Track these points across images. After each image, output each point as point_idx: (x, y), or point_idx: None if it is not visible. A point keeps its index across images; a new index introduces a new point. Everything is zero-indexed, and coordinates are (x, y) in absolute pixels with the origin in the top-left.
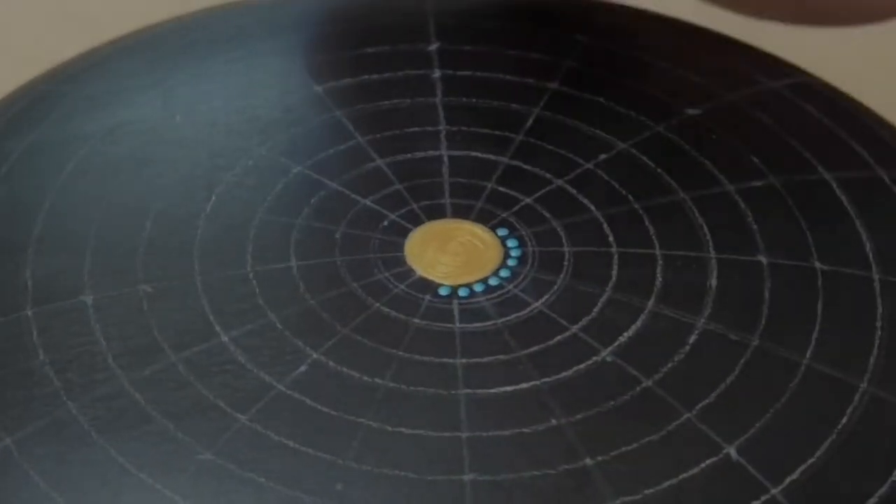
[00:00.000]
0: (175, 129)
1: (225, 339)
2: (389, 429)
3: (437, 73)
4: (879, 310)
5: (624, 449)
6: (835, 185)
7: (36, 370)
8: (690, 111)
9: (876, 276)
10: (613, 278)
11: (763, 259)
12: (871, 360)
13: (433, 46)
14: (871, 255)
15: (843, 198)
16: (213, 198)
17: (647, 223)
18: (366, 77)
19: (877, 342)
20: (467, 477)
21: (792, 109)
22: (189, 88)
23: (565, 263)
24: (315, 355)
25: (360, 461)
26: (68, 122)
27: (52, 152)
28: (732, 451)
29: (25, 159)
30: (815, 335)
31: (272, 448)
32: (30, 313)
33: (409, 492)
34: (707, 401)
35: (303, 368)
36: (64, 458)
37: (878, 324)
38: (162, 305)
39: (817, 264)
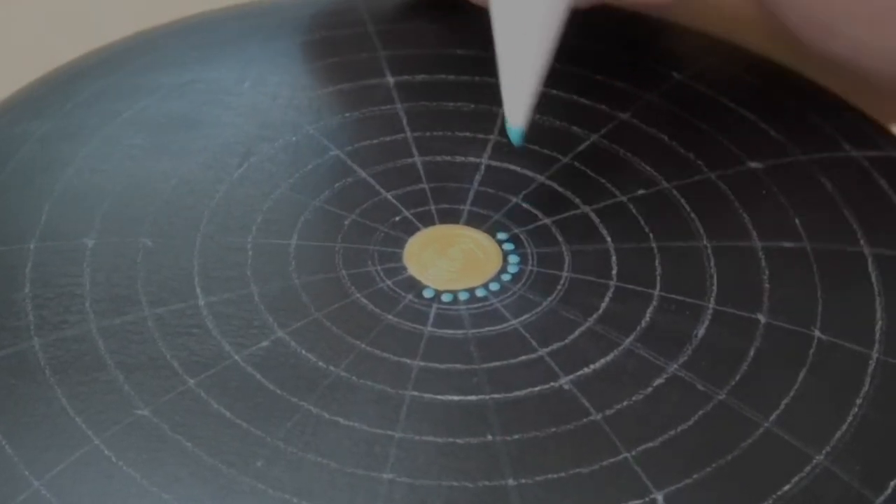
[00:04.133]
0: (239, 96)
1: (201, 302)
2: (327, 416)
3: None
4: (865, 388)
5: (550, 476)
6: (870, 261)
7: (17, 302)
8: (752, 164)
9: (875, 355)
10: (601, 310)
11: (762, 318)
12: (837, 434)
13: None
14: (878, 334)
15: (874, 274)
16: (244, 166)
17: (656, 263)
18: (442, 76)
19: (849, 419)
20: (386, 476)
21: (862, 180)
22: (267, 60)
23: (558, 287)
24: (280, 333)
25: (288, 442)
26: (142, 74)
27: (114, 100)
28: (660, 497)
29: (91, 102)
30: (785, 401)
31: (208, 415)
32: (32, 246)
33: (326, 480)
34: (650, 444)
35: (264, 344)
36: (12, 390)
37: (858, 401)
38: (155, 260)
39: (817, 333)
